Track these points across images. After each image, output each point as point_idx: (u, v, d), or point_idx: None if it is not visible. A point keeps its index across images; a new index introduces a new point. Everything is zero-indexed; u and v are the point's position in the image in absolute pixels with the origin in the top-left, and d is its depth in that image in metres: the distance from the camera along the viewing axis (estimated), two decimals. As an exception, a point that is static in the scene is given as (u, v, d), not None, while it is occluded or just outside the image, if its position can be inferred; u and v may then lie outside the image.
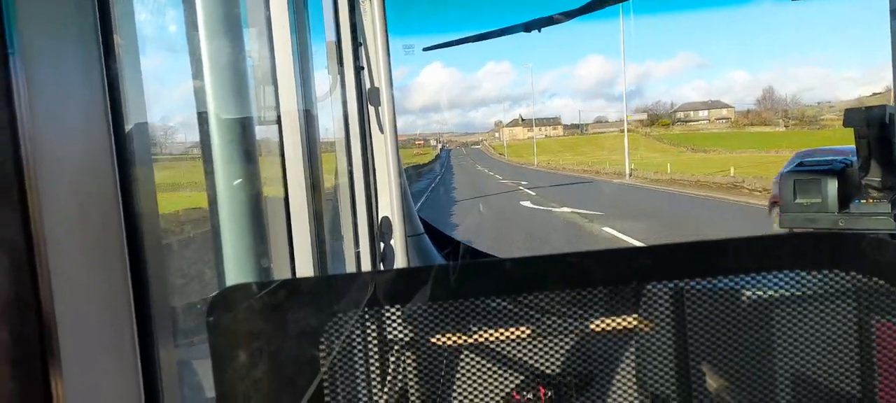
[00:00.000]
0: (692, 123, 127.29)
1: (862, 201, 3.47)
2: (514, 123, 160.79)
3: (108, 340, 0.69)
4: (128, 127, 0.72)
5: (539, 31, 3.28)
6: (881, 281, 0.71)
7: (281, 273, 1.45)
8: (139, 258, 0.72)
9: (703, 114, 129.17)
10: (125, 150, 0.71)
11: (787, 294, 0.75)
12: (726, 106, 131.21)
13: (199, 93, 0.90)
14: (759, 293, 0.76)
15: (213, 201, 0.93)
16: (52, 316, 0.57)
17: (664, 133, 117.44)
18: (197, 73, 0.90)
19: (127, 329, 0.71)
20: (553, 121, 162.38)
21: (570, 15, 3.19)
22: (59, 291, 0.59)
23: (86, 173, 0.68)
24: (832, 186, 3.50)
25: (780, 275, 0.73)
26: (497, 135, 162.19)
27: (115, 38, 0.71)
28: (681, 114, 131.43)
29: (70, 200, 0.64)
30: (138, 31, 0.81)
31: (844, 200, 3.50)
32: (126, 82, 0.72)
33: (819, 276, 0.72)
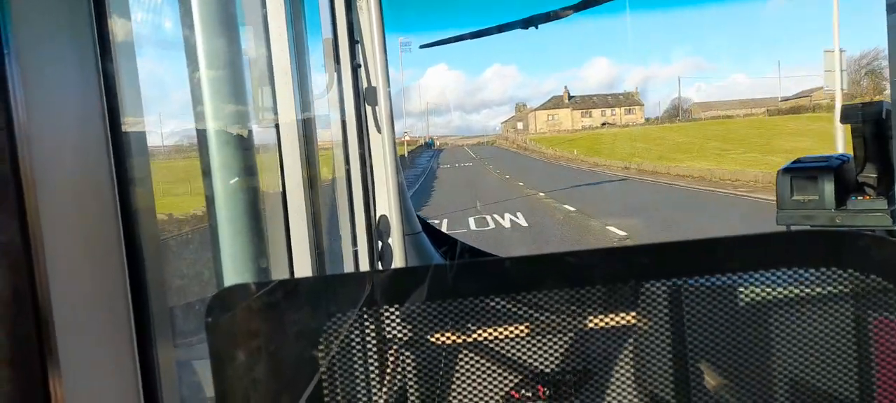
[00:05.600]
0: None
1: (859, 197, 3.48)
2: (554, 104, 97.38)
3: (107, 340, 0.69)
4: (124, 126, 0.72)
5: (537, 27, 3.28)
6: (878, 278, 0.71)
7: (279, 272, 1.45)
8: (137, 257, 0.72)
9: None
10: (122, 149, 0.71)
11: (785, 291, 0.75)
12: None
13: (196, 92, 0.90)
14: (757, 290, 0.77)
15: (210, 201, 0.93)
16: (50, 317, 0.57)
17: None
18: (193, 72, 0.90)
19: (125, 329, 0.71)
20: (626, 100, 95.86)
21: (569, 11, 3.19)
22: (57, 291, 0.59)
23: (83, 172, 0.67)
24: (829, 183, 3.50)
25: (778, 273, 0.73)
26: (520, 124, 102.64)
27: (111, 38, 0.71)
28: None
29: (67, 200, 0.64)
30: (134, 30, 0.81)
31: (841, 197, 3.50)
32: (122, 81, 0.72)
33: (816, 274, 0.73)
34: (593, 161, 45.72)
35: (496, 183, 34.23)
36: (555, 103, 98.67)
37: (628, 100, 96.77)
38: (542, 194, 25.43)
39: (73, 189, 0.65)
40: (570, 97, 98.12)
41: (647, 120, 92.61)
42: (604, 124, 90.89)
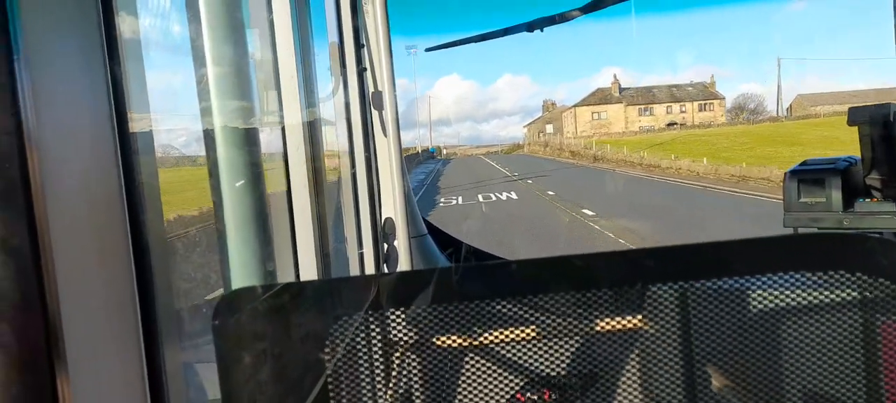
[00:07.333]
0: None
1: (866, 200, 3.45)
2: (599, 99, 72.75)
3: (114, 342, 0.69)
4: (132, 129, 0.72)
5: (542, 30, 3.27)
6: (886, 282, 0.71)
7: (285, 275, 1.45)
8: (145, 259, 0.73)
9: None
10: (130, 152, 0.72)
11: (792, 294, 0.74)
12: None
13: (203, 96, 0.90)
14: (764, 294, 0.76)
15: (217, 204, 0.94)
16: (58, 318, 0.58)
17: None
18: (201, 76, 0.90)
19: (132, 330, 0.71)
20: (698, 93, 70.88)
21: (573, 14, 3.18)
22: (65, 293, 0.59)
23: (90, 175, 0.68)
24: (836, 185, 3.47)
25: (785, 276, 0.73)
26: (549, 126, 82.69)
27: (119, 40, 0.71)
28: None
29: (75, 202, 0.64)
30: (142, 34, 0.81)
31: (849, 199, 3.47)
32: (130, 84, 0.73)
33: (823, 277, 0.72)
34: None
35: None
36: (600, 97, 73.32)
37: (702, 93, 72.10)
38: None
39: (81, 191, 0.66)
40: (621, 89, 73.19)
41: (746, 120, 67.19)
42: (672, 124, 67.54)
